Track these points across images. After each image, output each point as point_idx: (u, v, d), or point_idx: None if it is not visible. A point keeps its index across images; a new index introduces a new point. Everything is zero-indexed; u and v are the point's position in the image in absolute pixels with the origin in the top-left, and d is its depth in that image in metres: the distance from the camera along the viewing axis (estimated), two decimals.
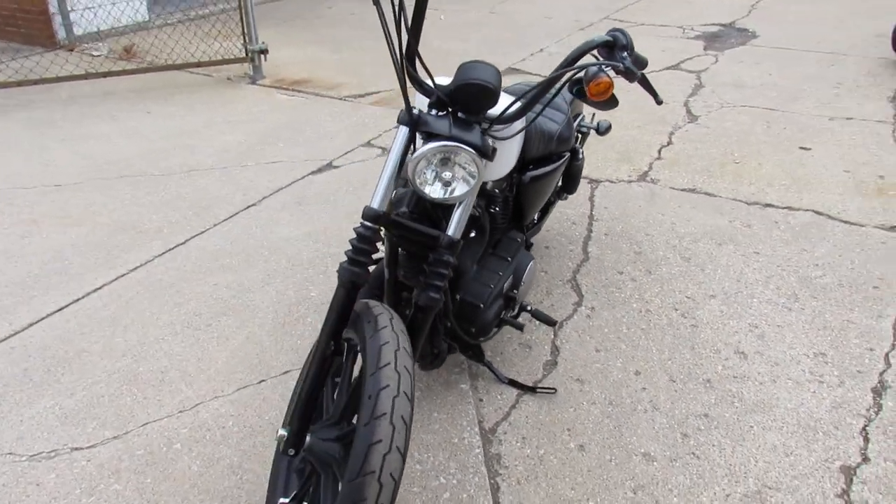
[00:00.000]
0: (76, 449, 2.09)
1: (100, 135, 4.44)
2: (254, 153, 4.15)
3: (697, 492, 1.93)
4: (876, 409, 2.20)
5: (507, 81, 5.17)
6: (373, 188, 3.62)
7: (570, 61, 1.67)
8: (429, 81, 1.66)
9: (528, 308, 2.30)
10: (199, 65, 5.40)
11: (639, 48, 6.20)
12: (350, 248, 1.63)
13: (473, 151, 1.57)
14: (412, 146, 1.65)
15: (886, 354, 2.44)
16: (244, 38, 5.37)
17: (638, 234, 3.21)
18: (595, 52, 1.77)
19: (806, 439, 2.10)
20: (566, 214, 3.39)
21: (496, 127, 1.70)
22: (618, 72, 1.70)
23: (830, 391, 2.28)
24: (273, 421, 2.18)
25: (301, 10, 8.05)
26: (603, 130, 2.76)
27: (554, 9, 7.86)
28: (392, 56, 1.55)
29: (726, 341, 2.52)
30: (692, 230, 3.25)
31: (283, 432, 1.63)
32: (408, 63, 1.65)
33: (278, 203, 3.54)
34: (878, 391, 2.28)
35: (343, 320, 1.61)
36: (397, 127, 1.65)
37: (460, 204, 1.69)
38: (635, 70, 1.71)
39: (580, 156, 2.72)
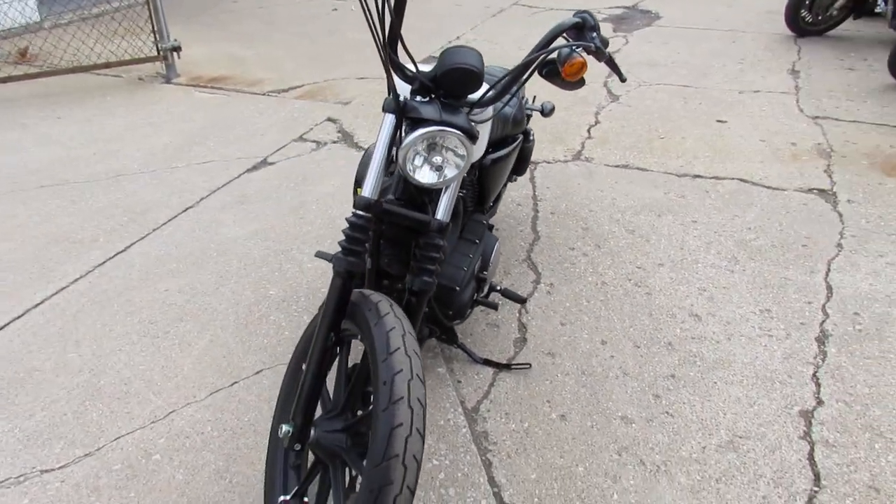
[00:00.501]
0: (46, 471, 1.99)
1: (9, 144, 4.17)
2: (183, 154, 4.01)
3: (676, 447, 2.04)
4: (822, 357, 2.39)
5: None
6: (313, 183, 3.58)
7: (544, 44, 1.72)
8: (411, 67, 1.67)
9: (498, 288, 2.35)
10: (107, 65, 5.14)
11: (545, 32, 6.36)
12: (343, 238, 1.63)
13: (463, 135, 1.60)
14: (398, 133, 1.66)
15: (823, 306, 2.64)
16: (154, 35, 5.15)
17: (582, 211, 3.32)
18: (564, 34, 1.83)
19: (765, 389, 2.25)
20: (511, 196, 3.47)
21: (475, 111, 1.73)
22: (589, 52, 1.76)
23: (780, 343, 2.45)
24: (253, 422, 2.14)
25: (205, 5, 7.78)
26: (547, 112, 2.83)
27: None
28: (375, 42, 1.55)
29: (680, 305, 2.65)
30: (632, 204, 3.39)
31: (287, 428, 1.62)
32: (390, 49, 1.65)
33: (218, 203, 3.44)
34: (821, 340, 2.47)
35: (341, 311, 1.61)
36: (382, 114, 1.65)
37: (447, 188, 1.72)
38: (604, 49, 1.77)
39: (531, 137, 2.79)
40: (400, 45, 1.63)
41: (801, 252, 2.97)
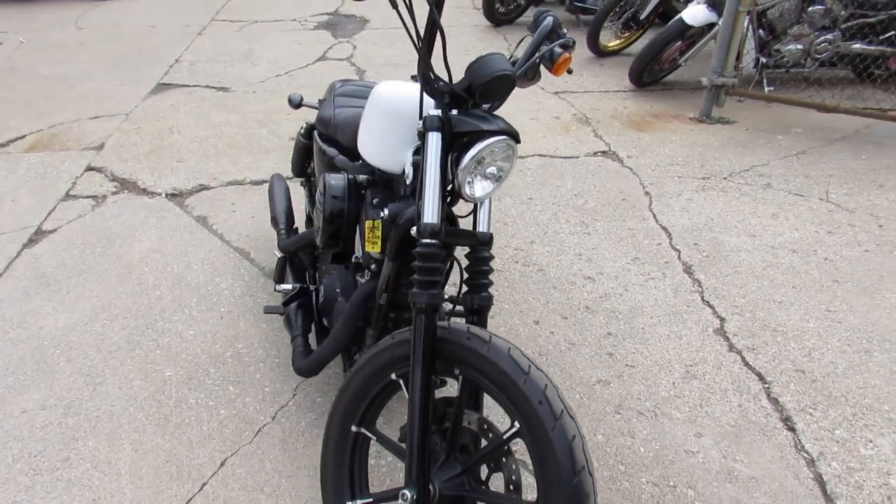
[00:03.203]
0: None
1: None
2: None
3: (654, 391, 2.28)
4: (698, 284, 2.83)
5: (171, 95, 4.76)
6: (124, 244, 3.08)
7: (537, 45, 1.76)
8: (443, 80, 1.59)
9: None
10: None
11: (270, 44, 6.22)
12: (418, 272, 1.50)
13: (513, 140, 1.58)
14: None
15: (671, 244, 3.11)
16: None
17: None
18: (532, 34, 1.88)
19: (680, 322, 2.61)
20: None
21: None
22: (566, 47, 1.85)
23: (663, 282, 2.84)
24: None
25: None
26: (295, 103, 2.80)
27: (146, 18, 7.27)
28: (421, 62, 1.47)
29: (572, 273, 2.91)
30: None
31: (410, 494, 1.46)
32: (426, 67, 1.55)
33: (14, 292, 2.78)
34: (688, 270, 2.92)
35: (432, 352, 1.48)
36: (424, 133, 1.54)
37: (489, 198, 1.68)
38: (573, 43, 1.88)
39: None
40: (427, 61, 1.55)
41: (625, 205, 3.44)
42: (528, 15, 6.95)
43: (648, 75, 5.08)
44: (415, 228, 1.52)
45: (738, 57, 4.56)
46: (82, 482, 1.95)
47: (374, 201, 1.82)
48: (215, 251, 3.06)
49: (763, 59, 4.80)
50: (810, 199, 3.49)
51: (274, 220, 2.69)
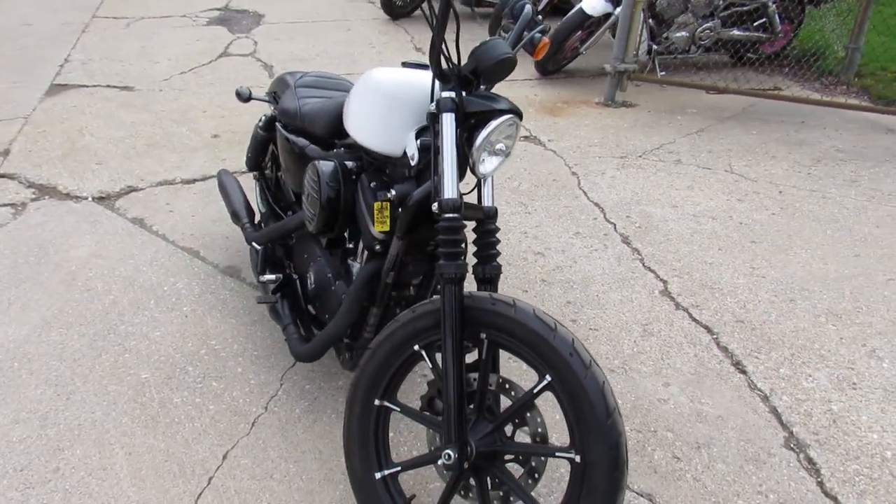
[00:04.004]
0: None
1: None
2: None
3: (619, 349, 2.48)
4: (636, 251, 3.07)
5: (70, 96, 4.53)
6: (59, 250, 2.95)
7: (521, 32, 1.87)
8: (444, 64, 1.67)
9: None
10: None
11: (165, 41, 6.00)
12: (443, 245, 1.58)
13: (518, 118, 1.69)
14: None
15: (605, 218, 3.35)
16: None
17: None
18: (510, 21, 2.00)
19: (629, 286, 2.83)
20: None
21: None
22: (543, 32, 1.98)
23: (606, 252, 3.07)
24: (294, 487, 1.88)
25: None
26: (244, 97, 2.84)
27: (17, 16, 6.78)
28: (434, 47, 1.55)
29: (523, 250, 3.07)
30: None
31: (452, 452, 1.55)
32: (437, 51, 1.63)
33: None
34: (626, 240, 3.16)
35: (462, 319, 1.58)
36: (438, 115, 1.62)
37: (492, 175, 1.78)
38: (548, 29, 2.01)
39: None
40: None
41: (556, 185, 3.65)
42: (426, 7, 7.07)
43: (552, 64, 5.34)
44: (435, 205, 1.61)
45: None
46: (80, 490, 1.89)
47: (372, 185, 1.88)
48: (162, 252, 2.98)
49: (655, 47, 5.18)
50: (717, 172, 3.85)
51: (234, 215, 2.66)
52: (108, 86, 4.90)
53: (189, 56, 5.61)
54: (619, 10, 4.83)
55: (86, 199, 3.38)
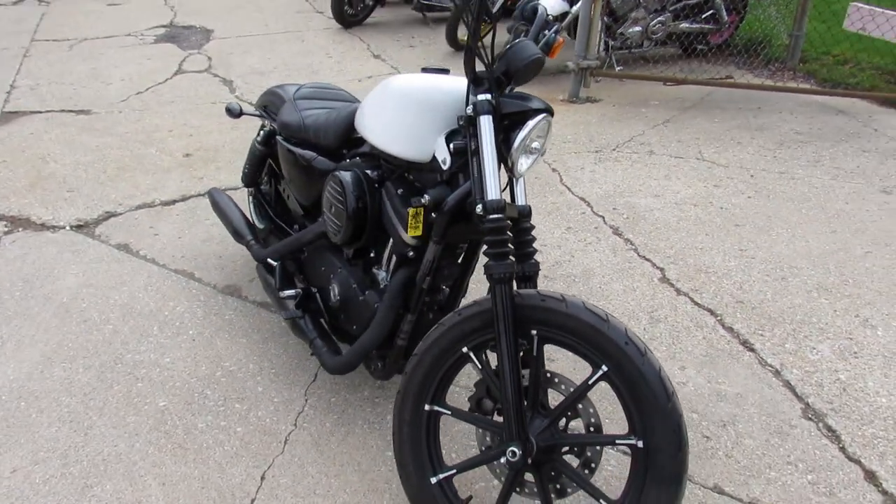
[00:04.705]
0: None
1: None
2: None
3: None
4: (630, 242, 3.15)
5: (24, 123, 4.39)
6: (46, 282, 2.90)
7: (538, 32, 1.90)
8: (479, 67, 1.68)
9: None
10: None
11: (114, 61, 5.84)
12: (491, 245, 1.60)
13: (551, 116, 1.72)
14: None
15: (593, 211, 3.42)
16: None
17: None
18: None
19: (629, 277, 2.90)
20: None
21: None
22: (557, 32, 2.01)
23: (599, 245, 3.13)
24: None
25: None
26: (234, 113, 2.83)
27: None
28: (470, 50, 1.57)
29: None
30: None
31: (516, 448, 1.57)
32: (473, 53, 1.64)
33: None
34: (617, 232, 3.23)
35: (515, 317, 1.60)
36: (476, 117, 1.64)
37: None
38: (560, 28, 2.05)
39: None
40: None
41: (540, 182, 3.71)
42: (376, 16, 7.07)
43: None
44: (479, 207, 1.62)
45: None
46: None
47: (399, 192, 1.88)
48: (155, 276, 2.91)
49: (611, 42, 5.32)
50: (689, 160, 3.97)
51: (237, 234, 2.62)
52: (63, 110, 4.74)
53: (143, 75, 5.47)
54: (575, 8, 4.94)
55: (63, 228, 3.27)
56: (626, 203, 3.48)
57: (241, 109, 2.67)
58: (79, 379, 2.35)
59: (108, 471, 2.00)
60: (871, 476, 1.99)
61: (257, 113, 2.71)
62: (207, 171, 3.83)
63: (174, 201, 3.52)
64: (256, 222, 2.75)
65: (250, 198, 2.82)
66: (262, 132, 2.58)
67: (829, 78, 5.28)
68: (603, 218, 3.35)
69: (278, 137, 2.46)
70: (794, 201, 3.50)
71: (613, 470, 2.00)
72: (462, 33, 6.08)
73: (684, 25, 5.52)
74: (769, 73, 5.49)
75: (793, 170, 3.85)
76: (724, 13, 5.54)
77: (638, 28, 5.35)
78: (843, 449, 2.08)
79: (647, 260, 3.01)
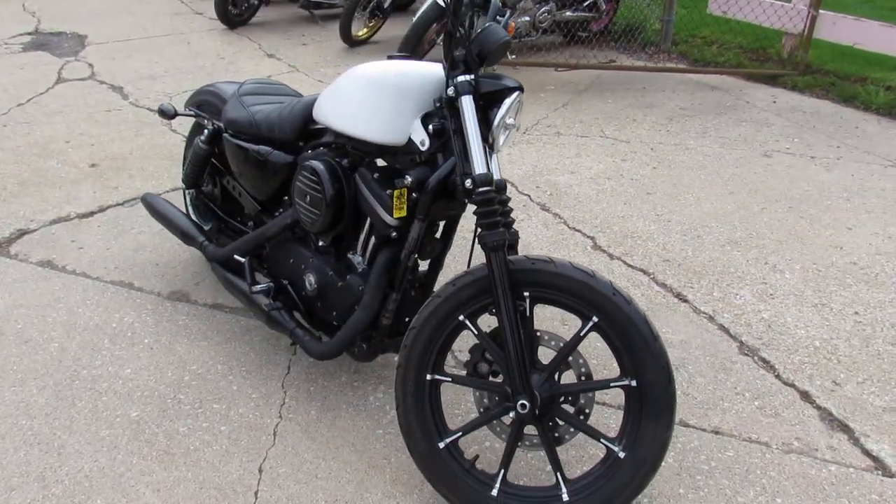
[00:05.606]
0: None
1: None
2: None
3: None
4: (558, 216, 3.36)
5: None
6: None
7: (493, 18, 2.01)
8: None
9: None
10: None
11: None
12: (482, 216, 1.71)
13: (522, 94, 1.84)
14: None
15: (518, 190, 3.60)
16: None
17: None
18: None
19: (564, 247, 3.10)
20: None
21: None
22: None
23: (532, 220, 3.31)
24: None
25: None
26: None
27: None
28: (451, 35, 1.67)
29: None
30: None
31: (524, 400, 1.69)
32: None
33: None
34: (544, 208, 3.43)
35: (511, 281, 1.71)
36: (457, 98, 1.73)
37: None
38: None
39: None
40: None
41: None
42: (261, 15, 6.94)
43: (416, 56, 5.52)
44: (468, 181, 1.73)
45: None
46: None
47: (375, 176, 1.95)
48: (91, 290, 2.79)
49: None
50: (594, 138, 4.25)
51: (186, 237, 2.57)
52: None
53: (19, 86, 5.11)
54: None
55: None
56: (547, 181, 3.69)
57: (174, 110, 2.62)
58: (35, 400, 2.24)
59: (94, 486, 1.94)
60: (805, 395, 2.28)
61: (191, 112, 2.67)
62: (120, 179, 3.68)
63: (92, 213, 3.36)
64: (201, 223, 2.70)
65: (190, 199, 2.77)
66: (206, 132, 2.54)
67: (700, 58, 5.78)
68: (529, 196, 3.54)
69: (226, 135, 2.44)
70: (692, 169, 3.84)
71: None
72: (356, 29, 6.12)
73: (568, 14, 5.85)
74: (647, 56, 5.92)
75: (686, 141, 4.21)
76: (603, 2, 5.92)
77: (526, 18, 5.61)
78: (778, 376, 2.36)
79: (578, 231, 3.22)
